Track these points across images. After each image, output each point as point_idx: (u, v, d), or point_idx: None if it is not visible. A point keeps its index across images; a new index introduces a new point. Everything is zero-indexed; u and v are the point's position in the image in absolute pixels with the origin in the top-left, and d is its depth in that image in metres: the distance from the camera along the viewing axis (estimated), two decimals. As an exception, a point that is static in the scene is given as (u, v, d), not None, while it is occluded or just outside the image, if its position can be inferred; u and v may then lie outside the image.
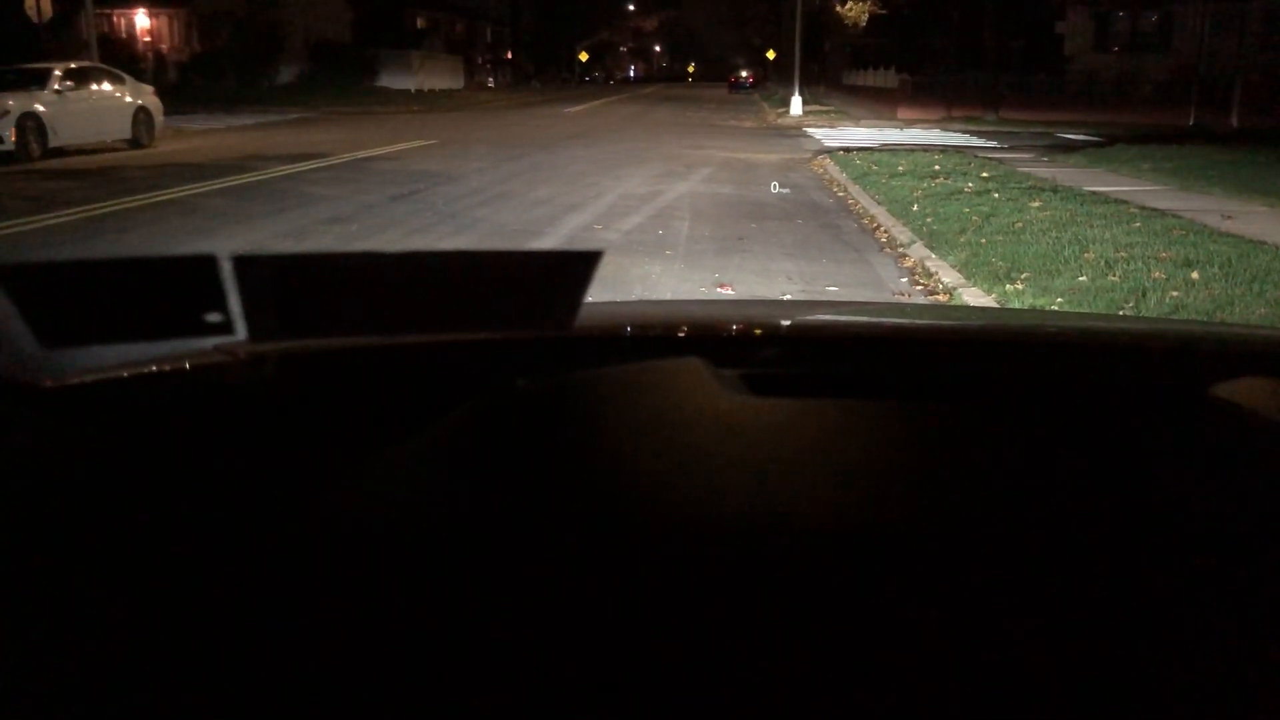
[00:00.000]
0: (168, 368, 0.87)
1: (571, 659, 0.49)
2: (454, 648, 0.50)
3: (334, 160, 14.10)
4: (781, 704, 0.46)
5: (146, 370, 0.86)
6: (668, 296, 6.11)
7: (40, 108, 14.59)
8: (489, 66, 63.46)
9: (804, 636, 0.50)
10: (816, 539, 0.57)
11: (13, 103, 14.14)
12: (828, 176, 13.14)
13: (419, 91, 42.11)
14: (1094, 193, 10.62)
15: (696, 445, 0.68)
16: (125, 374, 0.85)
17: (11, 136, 13.90)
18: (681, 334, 1.12)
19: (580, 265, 0.61)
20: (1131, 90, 31.91)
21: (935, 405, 0.81)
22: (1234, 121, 23.48)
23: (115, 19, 39.31)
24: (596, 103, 39.44)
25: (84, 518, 0.63)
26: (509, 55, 67.91)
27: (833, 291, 6.46)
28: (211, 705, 0.47)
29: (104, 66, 17.62)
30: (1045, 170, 13.48)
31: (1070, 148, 18.11)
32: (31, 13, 19.11)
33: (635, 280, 6.55)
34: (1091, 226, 8.14)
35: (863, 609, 0.52)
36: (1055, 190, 10.67)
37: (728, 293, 6.28)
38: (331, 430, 0.82)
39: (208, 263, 0.55)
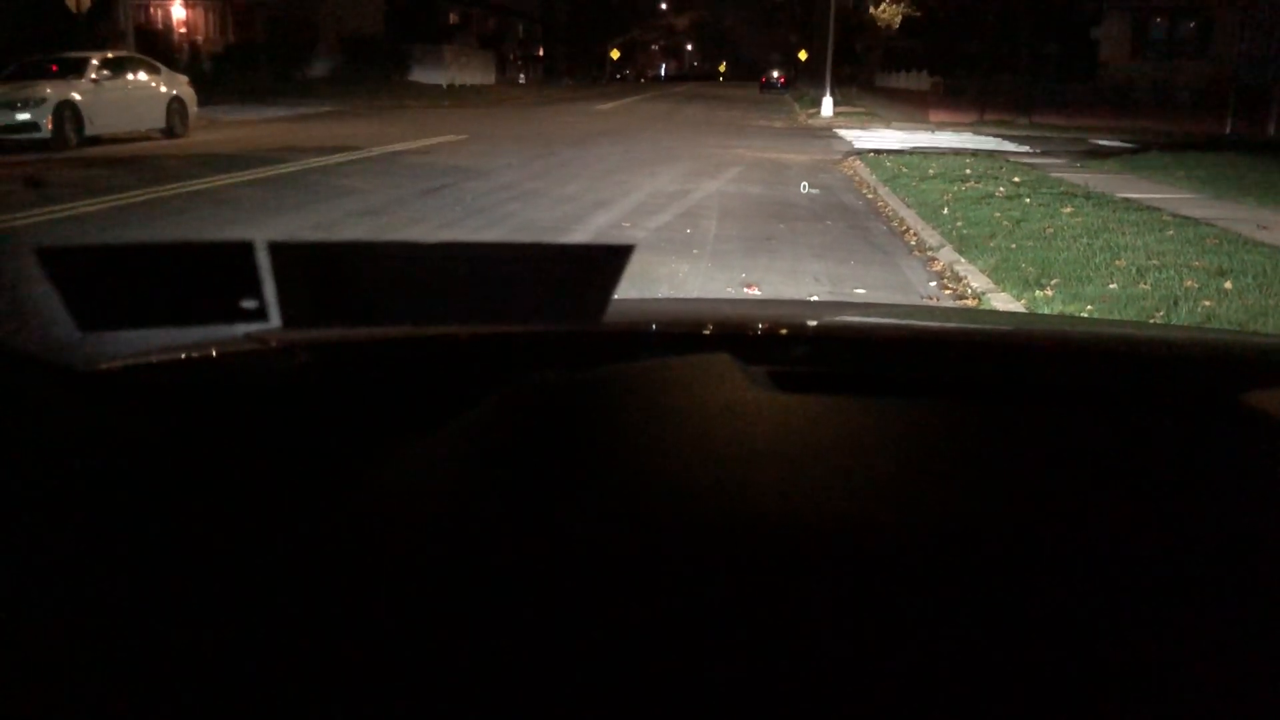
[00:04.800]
0: (199, 355, 0.88)
1: (596, 652, 0.49)
2: (478, 640, 0.50)
3: (365, 154, 14.17)
4: (801, 698, 0.46)
5: (179, 357, 0.87)
6: (695, 295, 6.10)
7: (77, 96, 14.76)
8: (520, 63, 63.55)
9: (828, 631, 0.50)
10: (842, 535, 0.57)
11: (50, 91, 14.32)
12: (857, 178, 13.08)
13: (450, 87, 42.15)
14: (1126, 199, 10.52)
15: (724, 440, 0.68)
16: (156, 360, 0.86)
17: (49, 124, 14.07)
18: (709, 331, 1.12)
19: (610, 260, 0.61)
20: (1167, 97, 31.64)
21: (962, 407, 0.81)
22: (1271, 130, 23.20)
23: (152, 10, 39.65)
24: (627, 100, 39.43)
25: (116, 502, 0.64)
26: (540, 52, 68.03)
27: (860, 294, 6.42)
28: (236, 691, 0.48)
29: (140, 57, 17.79)
30: (1078, 176, 13.36)
31: (1103, 154, 17.93)
32: (70, 3, 19.35)
33: (662, 279, 6.54)
34: (1123, 234, 8.06)
35: (889, 606, 0.52)
36: (1087, 196, 10.57)
37: (754, 293, 6.26)
38: (359, 419, 0.83)
39: (243, 249, 0.56)
